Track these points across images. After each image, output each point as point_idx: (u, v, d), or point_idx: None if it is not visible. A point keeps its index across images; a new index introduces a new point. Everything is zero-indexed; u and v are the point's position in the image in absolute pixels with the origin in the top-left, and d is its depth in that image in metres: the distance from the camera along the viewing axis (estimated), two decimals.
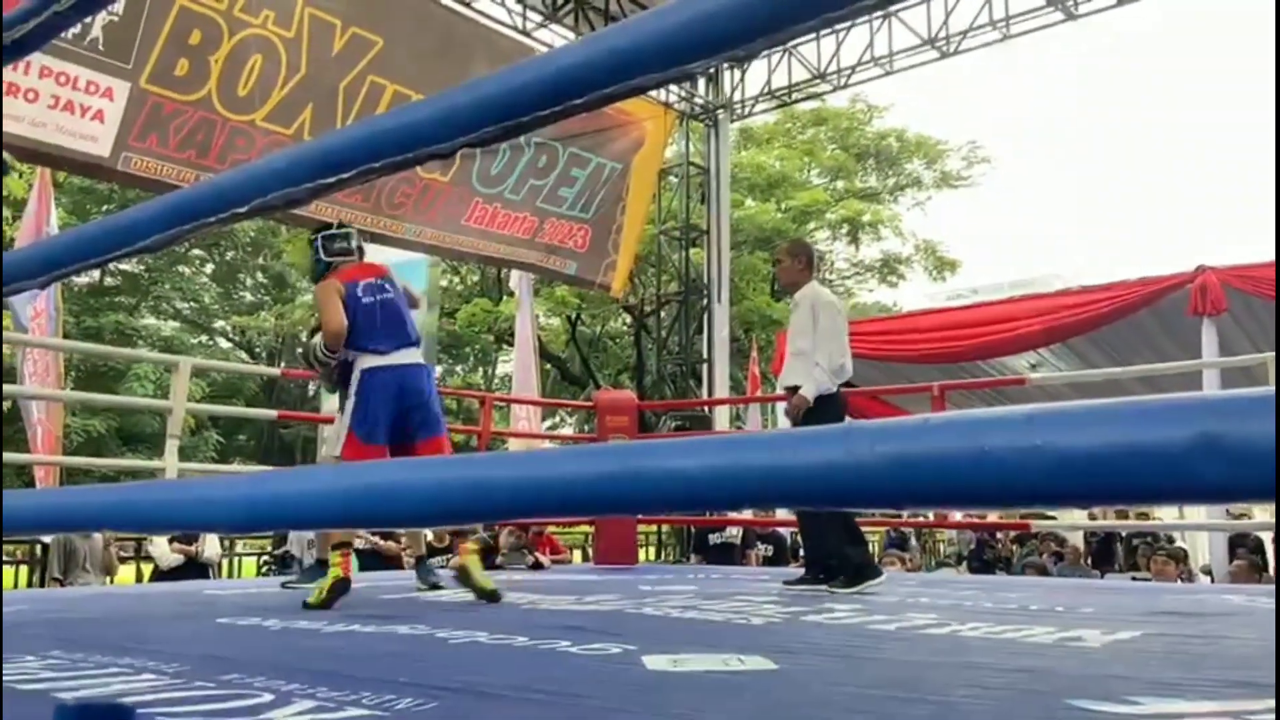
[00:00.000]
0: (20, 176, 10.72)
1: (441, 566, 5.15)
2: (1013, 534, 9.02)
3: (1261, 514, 8.52)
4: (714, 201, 10.81)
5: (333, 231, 3.88)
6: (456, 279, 19.82)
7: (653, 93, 8.53)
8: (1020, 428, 0.50)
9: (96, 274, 19.34)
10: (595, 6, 9.20)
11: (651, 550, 11.27)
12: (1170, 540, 7.81)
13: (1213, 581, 6.89)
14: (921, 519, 8.47)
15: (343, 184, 0.99)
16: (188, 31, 6.27)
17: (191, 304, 23.04)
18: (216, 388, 20.63)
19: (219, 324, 24.00)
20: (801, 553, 5.60)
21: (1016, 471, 0.49)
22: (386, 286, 3.73)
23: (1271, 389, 0.44)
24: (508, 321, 15.17)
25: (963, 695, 1.66)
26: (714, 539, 7.57)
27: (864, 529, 4.73)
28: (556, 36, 9.17)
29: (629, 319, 17.46)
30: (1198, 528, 8.36)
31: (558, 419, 22.87)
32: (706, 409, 9.84)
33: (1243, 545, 7.28)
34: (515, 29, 8.79)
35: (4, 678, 1.68)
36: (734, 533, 7.62)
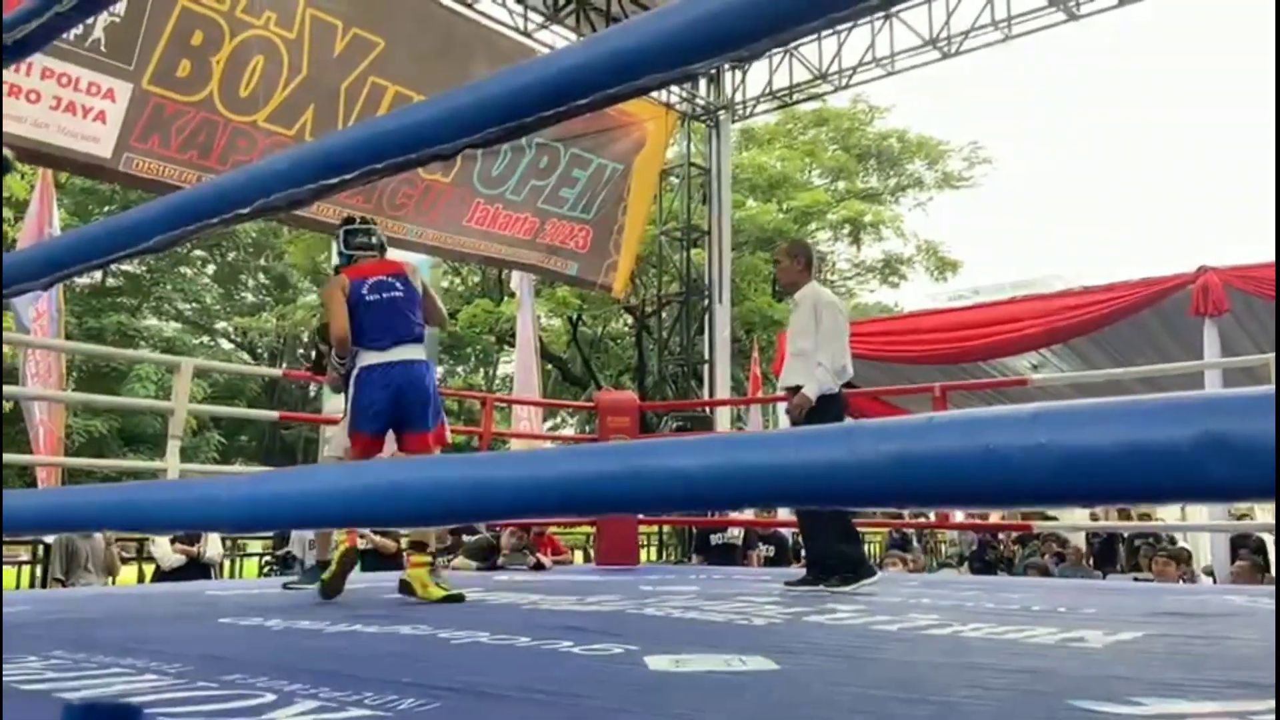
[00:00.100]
0: (22, 177, 10.73)
1: (445, 568, 5.16)
2: (1014, 535, 9.02)
3: (1263, 515, 8.52)
4: (715, 202, 10.81)
5: (354, 226, 3.92)
6: (458, 280, 19.83)
7: (654, 93, 8.54)
8: (1025, 426, 0.49)
9: (98, 275, 19.37)
10: (596, 7, 9.20)
11: (653, 551, 11.27)
12: (1172, 541, 7.80)
13: (1215, 582, 6.88)
14: (923, 519, 8.47)
15: (345, 185, 0.99)
16: (189, 32, 6.28)
17: (193, 305, 23.07)
18: (218, 389, 20.64)
19: (221, 325, 24.04)
20: (803, 553, 5.60)
21: (1021, 470, 0.49)
22: (397, 284, 3.71)
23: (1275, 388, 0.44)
24: (509, 322, 15.17)
25: (964, 696, 1.66)
26: (715, 539, 7.57)
27: (865, 530, 4.74)
28: (558, 37, 9.17)
29: (630, 320, 17.46)
30: (1200, 528, 8.35)
31: (559, 420, 22.86)
32: (708, 410, 9.84)
33: (1245, 546, 7.27)
34: (516, 30, 8.80)
35: (8, 678, 1.68)
36: (735, 533, 7.62)
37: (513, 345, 13.48)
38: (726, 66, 10.48)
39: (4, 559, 6.90)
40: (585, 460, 0.71)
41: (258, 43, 6.62)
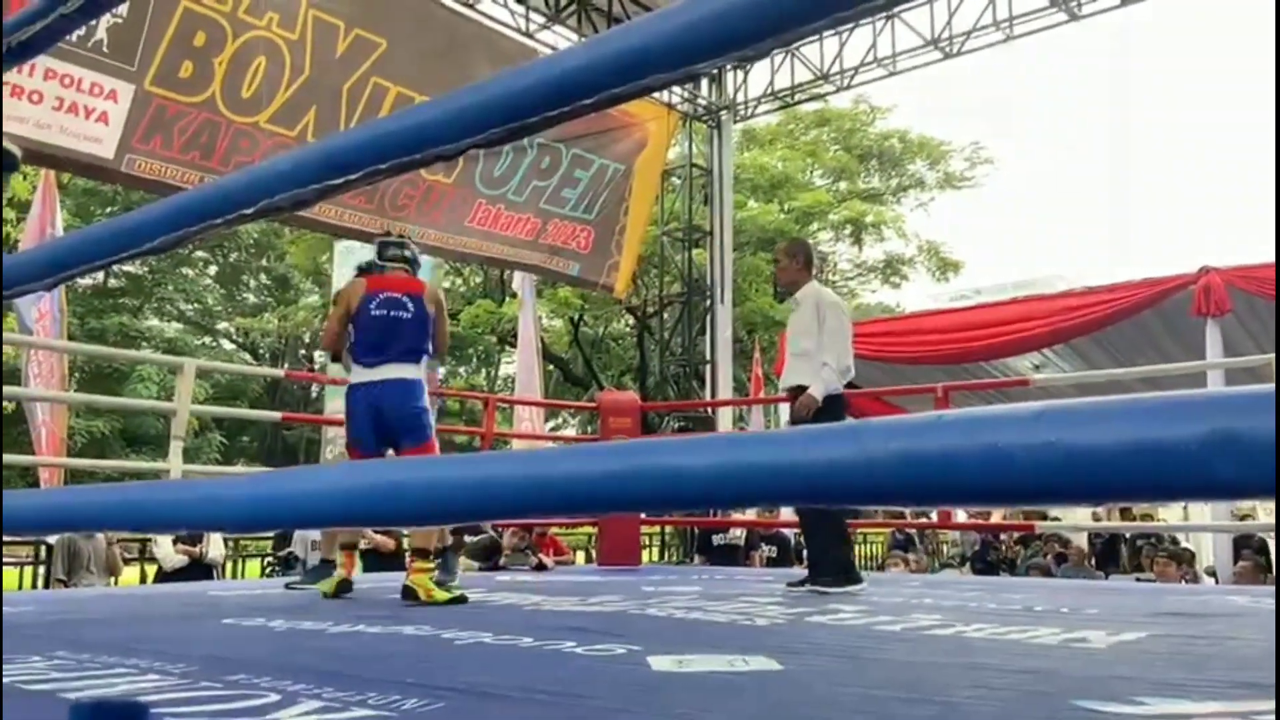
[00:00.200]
0: (25, 178, 10.74)
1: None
2: (1016, 535, 9.00)
3: (1265, 515, 8.51)
4: (717, 202, 10.82)
5: (390, 239, 3.98)
6: (460, 280, 19.84)
7: (656, 94, 8.53)
8: (1031, 424, 0.49)
9: (101, 275, 19.38)
10: (598, 8, 9.21)
11: (655, 551, 11.27)
12: (1175, 541, 7.79)
13: (1217, 583, 6.87)
14: (925, 520, 8.46)
15: (349, 185, 0.99)
16: (192, 33, 6.28)
17: (195, 306, 23.09)
18: (220, 389, 20.66)
19: (222, 326, 24.05)
20: (805, 554, 5.60)
21: (1028, 468, 0.49)
22: (407, 303, 3.74)
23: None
24: (510, 323, 15.18)
25: (967, 696, 1.66)
26: (718, 540, 7.57)
27: (867, 530, 4.74)
28: (559, 38, 9.17)
29: (632, 320, 17.46)
30: (1202, 529, 8.35)
31: (560, 420, 22.86)
32: (709, 410, 9.84)
33: (1247, 547, 7.26)
34: (518, 30, 8.80)
35: (12, 678, 1.68)
36: (738, 534, 7.61)
37: (514, 346, 13.48)
38: (728, 67, 10.48)
39: (6, 559, 6.91)
40: (588, 459, 0.71)
41: (260, 43, 6.62)
